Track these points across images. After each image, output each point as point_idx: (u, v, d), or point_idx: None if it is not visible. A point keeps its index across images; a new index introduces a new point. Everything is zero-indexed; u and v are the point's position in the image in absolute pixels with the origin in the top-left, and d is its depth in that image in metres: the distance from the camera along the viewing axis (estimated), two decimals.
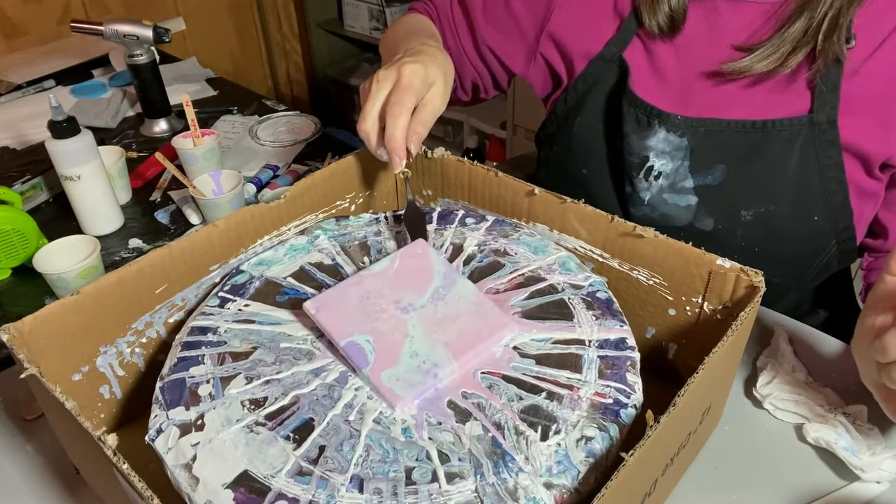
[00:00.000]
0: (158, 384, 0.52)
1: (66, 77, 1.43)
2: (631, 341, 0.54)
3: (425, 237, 0.63)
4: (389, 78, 0.61)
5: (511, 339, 0.54)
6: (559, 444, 0.46)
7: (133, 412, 0.62)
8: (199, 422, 0.48)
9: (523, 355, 0.53)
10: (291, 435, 0.47)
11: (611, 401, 0.49)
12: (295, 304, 0.58)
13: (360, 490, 0.44)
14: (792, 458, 0.61)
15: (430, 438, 0.47)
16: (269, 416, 0.49)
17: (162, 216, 1.01)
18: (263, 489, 0.44)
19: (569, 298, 0.58)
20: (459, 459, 0.45)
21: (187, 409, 0.50)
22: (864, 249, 0.78)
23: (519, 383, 0.51)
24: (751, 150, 0.70)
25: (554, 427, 0.47)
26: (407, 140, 0.61)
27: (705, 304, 0.58)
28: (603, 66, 0.76)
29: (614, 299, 0.58)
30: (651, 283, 0.61)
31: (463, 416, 0.49)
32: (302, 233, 0.67)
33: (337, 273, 0.62)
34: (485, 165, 0.68)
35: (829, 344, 0.71)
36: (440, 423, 0.48)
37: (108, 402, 0.60)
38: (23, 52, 1.56)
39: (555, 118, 0.83)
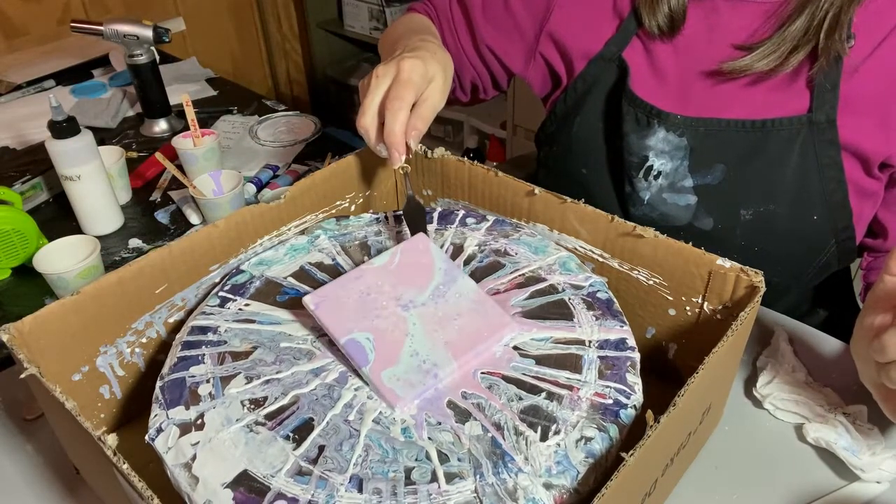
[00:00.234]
0: (158, 384, 0.52)
1: (66, 77, 1.43)
2: (631, 342, 0.54)
3: (425, 231, 0.63)
4: (389, 73, 0.61)
5: (511, 338, 0.54)
6: (559, 445, 0.46)
7: (133, 412, 0.62)
8: (199, 421, 0.49)
9: (523, 355, 0.53)
10: (291, 435, 0.47)
11: (611, 401, 0.49)
12: (295, 304, 0.58)
13: (360, 490, 0.44)
14: (792, 458, 0.61)
15: (429, 438, 0.47)
16: (269, 416, 0.49)
17: (162, 216, 1.01)
18: (263, 489, 0.44)
19: (569, 299, 0.58)
20: (459, 459, 0.45)
21: (187, 408, 0.50)
22: (863, 249, 0.78)
23: (519, 383, 0.51)
24: (750, 149, 0.70)
25: (553, 427, 0.47)
26: (406, 135, 0.61)
27: (705, 304, 0.58)
28: (602, 65, 0.76)
29: (614, 300, 0.58)
30: (651, 283, 0.61)
31: (462, 416, 0.49)
32: (302, 233, 0.67)
33: (337, 273, 0.62)
34: (485, 165, 0.68)
35: (829, 344, 0.71)
36: (440, 423, 0.48)
37: (108, 402, 0.60)
38: (23, 52, 1.56)
39: (554, 118, 0.83)
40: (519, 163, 1.27)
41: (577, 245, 0.64)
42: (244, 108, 1.32)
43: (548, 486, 0.44)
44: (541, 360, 0.53)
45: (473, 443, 0.46)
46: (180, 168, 1.01)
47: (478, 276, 0.61)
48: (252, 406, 0.50)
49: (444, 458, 0.46)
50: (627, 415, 0.49)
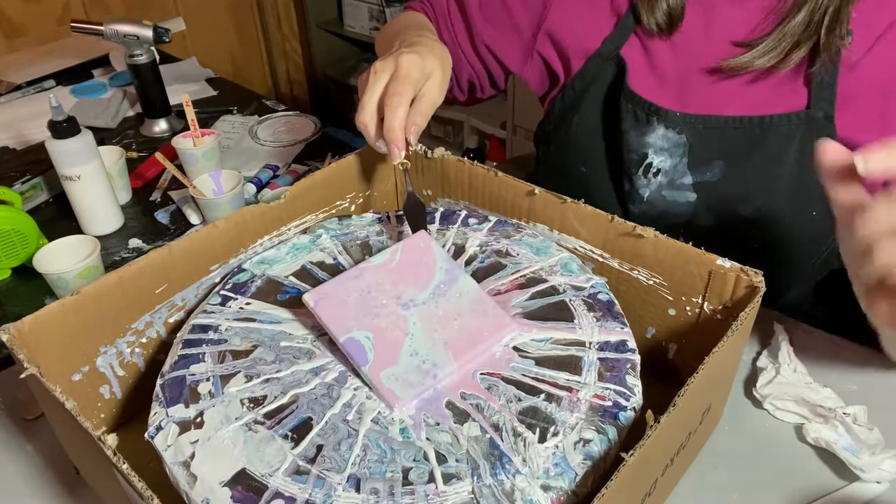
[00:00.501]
0: (159, 381, 0.52)
1: (66, 77, 1.43)
2: (631, 343, 0.54)
3: (426, 228, 0.63)
4: (387, 69, 0.61)
5: (511, 339, 0.54)
6: (557, 447, 0.46)
7: (133, 412, 0.62)
8: (199, 419, 0.49)
9: (523, 356, 0.53)
10: (290, 434, 0.47)
11: (610, 403, 0.49)
12: (296, 303, 0.58)
13: (357, 490, 0.44)
14: (792, 458, 0.61)
15: (427, 439, 0.47)
16: (268, 415, 0.49)
17: (162, 216, 1.01)
18: (261, 487, 0.44)
19: (570, 300, 0.58)
20: (457, 460, 0.45)
21: (187, 406, 0.50)
22: None
23: (518, 384, 0.51)
24: (749, 146, 0.70)
25: (552, 429, 0.47)
26: (406, 131, 0.60)
27: (705, 304, 0.58)
28: (600, 63, 0.76)
29: (615, 301, 0.58)
30: (651, 283, 0.61)
31: (461, 416, 0.48)
32: (304, 232, 0.68)
33: (338, 272, 0.62)
34: (485, 165, 0.68)
35: (829, 344, 0.71)
36: (438, 424, 0.48)
37: (108, 402, 0.60)
38: (23, 52, 1.56)
39: (552, 116, 0.83)
40: (519, 163, 1.27)
41: (577, 245, 0.64)
42: (244, 108, 1.32)
43: (545, 488, 0.44)
44: (540, 362, 0.53)
45: (471, 444, 0.46)
46: (180, 168, 1.01)
47: (479, 276, 0.61)
48: (251, 405, 0.50)
49: (441, 458, 0.46)
50: (626, 417, 0.49)
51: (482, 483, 0.44)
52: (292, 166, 1.12)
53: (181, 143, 1.01)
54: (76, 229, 0.96)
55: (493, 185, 0.68)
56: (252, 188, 1.04)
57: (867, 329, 0.88)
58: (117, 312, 0.57)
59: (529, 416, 0.48)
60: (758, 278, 0.54)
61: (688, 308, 0.60)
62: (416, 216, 0.65)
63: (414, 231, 0.62)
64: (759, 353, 0.69)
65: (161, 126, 1.24)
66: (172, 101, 1.25)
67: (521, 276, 0.61)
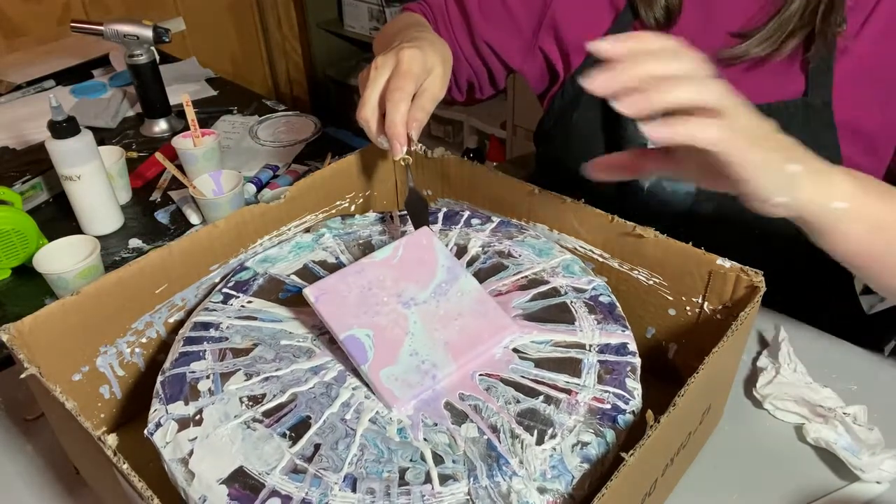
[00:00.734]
0: (159, 378, 0.52)
1: (66, 77, 1.43)
2: (632, 346, 0.54)
3: (427, 224, 0.63)
4: (388, 64, 0.61)
5: (511, 340, 0.54)
6: (554, 449, 0.46)
7: (133, 412, 0.62)
8: (198, 417, 0.49)
9: (523, 358, 0.53)
10: (287, 432, 0.48)
11: (609, 406, 0.49)
12: (297, 302, 0.58)
13: (353, 489, 0.44)
14: (792, 458, 0.61)
15: (425, 439, 0.47)
16: (267, 413, 0.49)
17: (162, 216, 1.01)
18: (258, 486, 0.44)
19: (571, 302, 0.58)
20: (454, 461, 0.45)
21: (186, 403, 0.50)
22: None
23: (517, 386, 0.51)
24: None
25: (550, 431, 0.47)
26: (407, 126, 0.60)
27: (705, 304, 0.58)
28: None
29: (617, 304, 0.58)
30: (651, 283, 0.61)
31: (459, 417, 0.48)
32: (307, 231, 0.68)
33: None
34: (485, 165, 0.68)
35: (829, 344, 0.71)
36: (436, 425, 0.48)
37: (108, 402, 0.60)
38: (23, 52, 1.56)
39: (552, 113, 0.84)
40: (519, 163, 1.27)
41: (577, 245, 0.64)
42: (244, 108, 1.32)
43: (542, 491, 0.44)
44: (540, 364, 0.53)
45: (469, 445, 0.46)
46: (180, 168, 1.01)
47: (481, 277, 0.61)
48: (250, 403, 0.50)
49: (438, 459, 0.46)
50: (625, 420, 0.49)
51: (478, 484, 0.44)
52: (292, 166, 1.12)
53: (181, 143, 1.01)
54: (76, 229, 0.96)
55: (493, 185, 0.68)
56: (252, 188, 1.04)
57: (868, 329, 0.88)
58: (117, 312, 0.57)
59: (528, 417, 0.48)
60: (758, 278, 0.54)
61: (688, 308, 0.60)
62: (417, 212, 0.65)
63: (416, 227, 0.62)
64: (759, 353, 0.69)
65: (161, 126, 1.24)
66: (172, 101, 1.24)
67: (522, 278, 0.61)
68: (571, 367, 0.52)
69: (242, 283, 0.61)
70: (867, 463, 0.57)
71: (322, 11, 2.47)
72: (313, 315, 0.55)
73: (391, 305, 0.55)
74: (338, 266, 0.62)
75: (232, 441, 0.47)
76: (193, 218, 0.99)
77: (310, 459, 0.46)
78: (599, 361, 0.53)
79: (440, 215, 0.68)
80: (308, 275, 0.62)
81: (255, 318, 0.57)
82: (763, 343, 0.71)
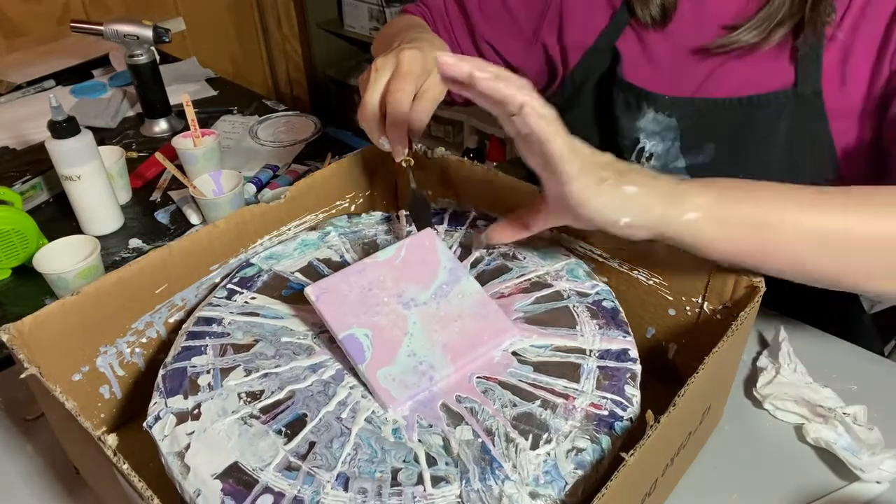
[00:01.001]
0: (161, 371, 0.53)
1: (66, 77, 1.42)
2: (633, 353, 0.54)
3: (430, 225, 0.62)
4: (388, 65, 0.61)
5: (511, 343, 0.54)
6: (549, 454, 0.46)
7: (133, 412, 0.62)
8: (196, 411, 0.49)
9: (522, 361, 0.53)
10: (283, 429, 0.48)
11: (606, 412, 0.49)
12: (300, 299, 0.57)
13: (346, 489, 0.44)
14: (792, 458, 0.61)
15: (419, 440, 0.47)
16: (264, 410, 0.49)
17: (162, 216, 1.01)
18: (251, 482, 0.44)
19: (573, 306, 0.57)
20: (447, 463, 0.45)
21: (185, 397, 0.50)
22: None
23: (514, 389, 0.50)
24: (739, 126, 0.71)
25: (545, 436, 0.47)
26: (408, 128, 0.60)
27: (705, 304, 0.58)
28: (597, 56, 0.78)
29: (620, 309, 0.58)
30: (651, 283, 0.61)
31: (455, 419, 0.48)
32: (313, 228, 0.68)
33: None
34: (485, 165, 0.68)
35: (829, 344, 0.72)
36: (431, 426, 0.48)
37: (108, 402, 0.60)
38: (23, 52, 1.56)
39: None
40: (519, 163, 1.26)
41: (577, 245, 0.64)
42: (244, 108, 1.32)
43: (533, 496, 0.43)
44: (539, 367, 0.52)
45: (463, 447, 0.46)
46: (180, 168, 1.01)
47: (484, 278, 0.60)
48: (248, 399, 0.50)
49: (432, 461, 0.45)
50: (622, 427, 0.48)
51: (470, 487, 0.44)
52: (292, 166, 1.12)
53: (181, 143, 1.00)
54: (76, 229, 0.96)
55: (493, 185, 0.68)
56: (252, 188, 1.04)
57: (868, 329, 0.88)
58: (117, 312, 0.57)
59: (523, 422, 0.48)
60: (758, 278, 0.54)
61: (688, 308, 0.60)
62: (420, 213, 0.65)
63: (418, 228, 0.62)
64: (759, 353, 0.69)
65: (161, 126, 1.24)
66: (172, 101, 1.24)
67: (525, 280, 0.60)
68: (570, 371, 0.52)
69: (247, 279, 0.61)
70: (867, 463, 0.57)
71: (322, 11, 2.47)
72: (314, 313, 0.55)
73: (391, 306, 0.55)
74: (342, 264, 0.62)
75: (228, 436, 0.47)
76: (193, 218, 0.99)
77: (304, 457, 0.46)
78: (599, 367, 0.52)
79: (446, 216, 0.68)
80: (312, 272, 0.62)
81: (257, 315, 0.57)
82: (763, 343, 0.71)
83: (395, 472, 0.45)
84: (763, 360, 0.68)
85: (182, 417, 0.49)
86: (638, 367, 0.53)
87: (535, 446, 0.46)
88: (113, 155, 1.01)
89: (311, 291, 0.55)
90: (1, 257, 0.87)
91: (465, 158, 0.69)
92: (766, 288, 0.54)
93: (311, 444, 0.47)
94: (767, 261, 0.51)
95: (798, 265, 0.50)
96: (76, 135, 0.90)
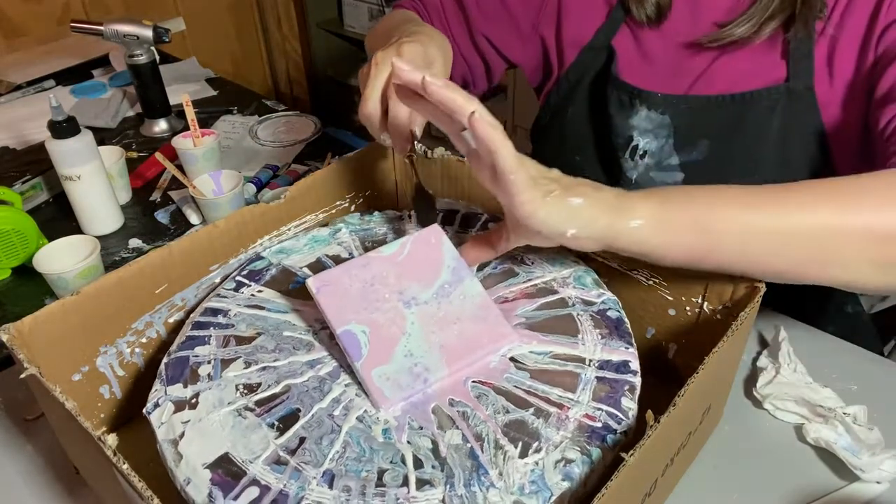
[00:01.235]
0: (164, 360, 0.54)
1: (66, 77, 1.43)
2: (634, 365, 0.53)
3: (435, 220, 0.62)
4: (389, 60, 0.60)
5: (509, 349, 0.53)
6: (536, 464, 0.45)
7: (133, 412, 0.62)
8: (194, 400, 0.50)
9: (519, 367, 0.52)
10: (276, 423, 0.48)
11: (599, 424, 0.48)
12: (305, 294, 0.57)
13: (330, 486, 0.44)
14: (792, 458, 0.61)
15: (408, 442, 0.47)
16: (259, 403, 0.50)
17: (162, 216, 1.01)
18: (240, 473, 0.45)
19: (577, 314, 0.56)
20: (433, 467, 0.45)
21: (185, 386, 0.51)
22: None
23: (508, 396, 0.50)
24: (732, 123, 0.71)
25: (535, 445, 0.46)
26: (410, 122, 0.60)
27: (705, 304, 0.58)
28: (593, 54, 0.78)
29: (626, 320, 0.57)
30: (651, 283, 0.61)
31: (446, 423, 0.48)
32: (325, 224, 0.68)
33: None
34: None
35: (829, 344, 0.72)
36: (421, 428, 0.48)
37: (108, 402, 0.60)
38: (23, 52, 1.56)
39: (548, 109, 0.85)
40: None
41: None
42: (244, 108, 1.32)
43: None
44: (535, 375, 0.51)
45: (451, 452, 0.46)
46: (180, 168, 1.01)
47: (490, 282, 0.60)
48: (245, 391, 0.50)
49: (419, 463, 0.45)
50: (615, 440, 0.47)
51: (454, 492, 0.43)
52: (292, 166, 1.12)
53: (181, 143, 1.00)
54: (76, 229, 0.96)
55: None
56: (252, 188, 1.04)
57: (868, 329, 0.88)
58: (117, 312, 0.57)
59: (514, 429, 0.47)
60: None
61: (688, 308, 0.60)
62: (424, 209, 0.65)
63: (423, 224, 0.62)
64: (759, 353, 0.69)
65: (161, 126, 1.24)
66: (172, 101, 1.24)
67: (531, 286, 0.59)
68: (568, 380, 0.51)
69: (256, 272, 0.62)
70: (867, 463, 0.57)
71: (322, 11, 2.47)
72: (318, 309, 0.55)
73: (392, 303, 0.54)
74: None
75: (222, 427, 0.48)
76: (193, 218, 0.99)
77: (293, 452, 0.46)
78: (597, 377, 0.51)
79: (458, 217, 0.68)
80: (320, 268, 0.62)
81: (262, 308, 0.58)
82: (763, 343, 0.71)
83: (381, 473, 0.45)
84: (763, 360, 0.68)
85: (180, 406, 0.49)
86: (638, 380, 0.51)
87: (523, 455, 0.45)
88: (113, 155, 1.01)
89: (312, 283, 0.55)
90: (1, 257, 0.87)
91: (466, 158, 0.69)
92: (766, 288, 0.54)
93: (302, 440, 0.47)
94: (716, 261, 0.51)
95: (745, 263, 0.51)
96: (76, 135, 0.90)
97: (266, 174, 1.07)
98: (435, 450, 0.46)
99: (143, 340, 0.60)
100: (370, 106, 0.60)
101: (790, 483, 0.58)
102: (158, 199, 1.05)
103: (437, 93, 0.48)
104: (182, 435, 0.47)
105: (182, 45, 1.99)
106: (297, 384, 0.51)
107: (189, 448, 0.46)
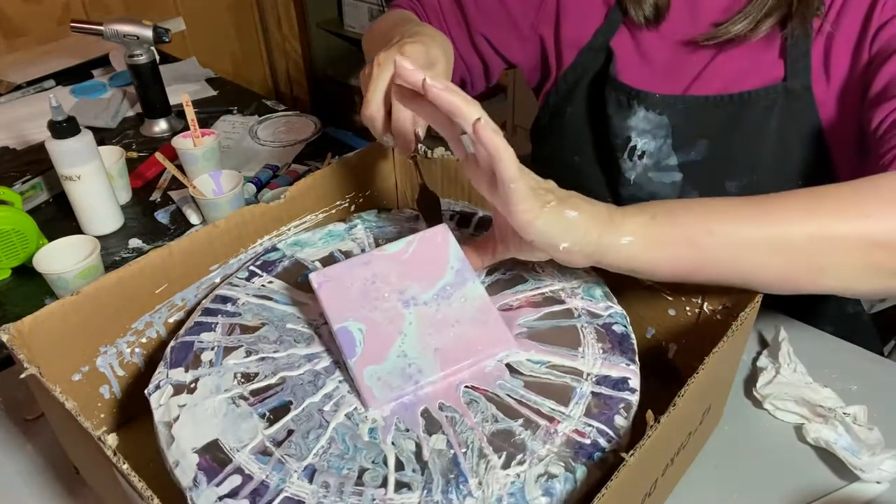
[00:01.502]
0: (171, 343, 0.54)
1: (66, 77, 1.43)
2: (634, 383, 0.51)
3: (440, 220, 0.61)
4: (391, 60, 0.60)
5: (506, 354, 0.52)
6: (518, 476, 0.44)
7: (133, 412, 0.62)
8: (193, 385, 0.50)
9: (514, 375, 0.51)
10: (267, 413, 0.48)
11: (588, 441, 0.46)
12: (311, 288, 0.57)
13: (310, 481, 0.44)
14: (792, 458, 0.61)
15: (392, 443, 0.46)
16: (254, 392, 0.50)
17: (162, 216, 1.01)
18: (226, 460, 0.45)
19: (581, 326, 0.55)
20: (413, 470, 0.45)
21: (186, 371, 0.52)
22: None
23: (499, 404, 0.49)
24: (730, 122, 0.71)
25: (519, 457, 0.45)
26: (414, 123, 0.59)
27: (705, 304, 0.58)
28: (591, 55, 0.79)
29: (632, 336, 0.55)
30: (651, 282, 0.61)
31: (432, 427, 0.47)
32: (342, 220, 0.69)
33: None
34: None
35: (829, 344, 0.72)
36: (408, 430, 0.47)
37: (108, 402, 0.60)
38: (23, 52, 1.56)
39: (547, 110, 0.85)
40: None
41: None
42: (244, 108, 1.32)
43: None
44: (530, 385, 0.50)
45: (433, 457, 0.45)
46: (180, 168, 1.01)
47: (497, 288, 0.59)
48: (242, 380, 0.51)
49: (400, 465, 0.45)
50: (601, 458, 0.46)
51: (430, 498, 0.43)
52: (292, 166, 1.12)
53: (181, 143, 1.00)
54: (76, 229, 0.96)
55: None
56: (252, 188, 1.04)
57: (868, 329, 0.88)
58: (117, 312, 0.57)
59: (500, 439, 0.46)
60: None
61: (688, 308, 0.60)
62: (430, 208, 0.64)
63: (429, 224, 0.62)
64: (759, 353, 0.69)
65: (161, 126, 1.24)
66: (172, 101, 1.24)
67: (538, 294, 0.58)
68: (561, 393, 0.50)
69: (269, 263, 0.62)
70: (867, 463, 0.57)
71: (322, 11, 2.47)
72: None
73: (391, 302, 0.54)
74: None
75: (216, 413, 0.48)
76: (193, 218, 0.99)
77: (280, 444, 0.46)
78: (593, 392, 0.50)
79: (474, 220, 0.68)
80: (331, 263, 0.61)
81: (270, 299, 0.59)
82: (763, 343, 0.71)
83: (361, 472, 0.44)
84: (763, 360, 0.68)
85: (179, 389, 0.50)
86: (635, 399, 0.50)
87: (506, 466, 0.44)
88: (113, 155, 1.01)
89: (314, 278, 0.55)
90: (1, 257, 0.87)
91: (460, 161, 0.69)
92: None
93: (290, 432, 0.47)
94: (708, 275, 0.51)
95: (737, 276, 0.51)
96: (76, 135, 0.90)
97: (266, 174, 1.07)
98: (418, 453, 0.46)
99: (143, 340, 0.60)
100: (373, 107, 0.59)
101: (790, 483, 0.58)
102: (158, 199, 1.05)
103: (437, 95, 0.48)
104: (177, 418, 0.48)
105: (182, 45, 1.99)
106: (293, 377, 0.51)
107: (182, 431, 0.47)
